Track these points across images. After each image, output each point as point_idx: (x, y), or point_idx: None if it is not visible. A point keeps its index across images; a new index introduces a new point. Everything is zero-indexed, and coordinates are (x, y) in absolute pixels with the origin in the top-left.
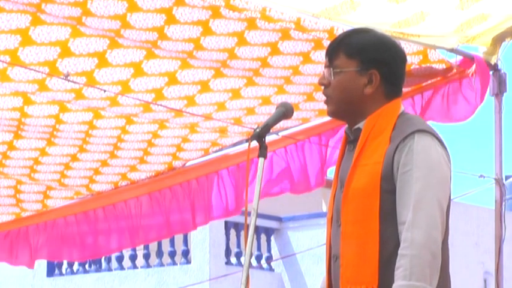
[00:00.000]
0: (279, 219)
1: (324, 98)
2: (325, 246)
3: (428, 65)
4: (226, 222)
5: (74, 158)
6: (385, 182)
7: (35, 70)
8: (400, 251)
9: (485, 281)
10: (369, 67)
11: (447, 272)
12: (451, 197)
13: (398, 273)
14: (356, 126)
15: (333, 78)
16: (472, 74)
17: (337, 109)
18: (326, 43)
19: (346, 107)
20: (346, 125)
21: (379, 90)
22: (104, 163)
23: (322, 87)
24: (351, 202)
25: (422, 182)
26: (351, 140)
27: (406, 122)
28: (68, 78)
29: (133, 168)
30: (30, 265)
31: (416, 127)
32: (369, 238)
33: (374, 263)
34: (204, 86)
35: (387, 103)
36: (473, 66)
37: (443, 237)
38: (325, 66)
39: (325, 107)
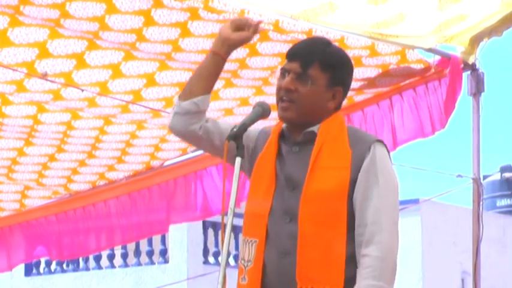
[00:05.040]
0: None
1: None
2: None
3: (406, 65)
4: (204, 222)
5: (52, 158)
6: (352, 186)
7: (12, 69)
8: (366, 252)
9: (462, 280)
10: (336, 84)
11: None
12: (429, 196)
13: (367, 272)
14: (310, 129)
15: (303, 84)
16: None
17: (297, 116)
18: None
19: (306, 116)
20: (284, 125)
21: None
22: (82, 163)
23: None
24: (314, 202)
25: (385, 188)
26: (297, 141)
27: (358, 132)
28: (46, 77)
29: (111, 168)
30: (8, 269)
31: (375, 138)
32: (336, 240)
33: (340, 264)
34: (182, 88)
35: (335, 112)
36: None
37: None
38: (293, 71)
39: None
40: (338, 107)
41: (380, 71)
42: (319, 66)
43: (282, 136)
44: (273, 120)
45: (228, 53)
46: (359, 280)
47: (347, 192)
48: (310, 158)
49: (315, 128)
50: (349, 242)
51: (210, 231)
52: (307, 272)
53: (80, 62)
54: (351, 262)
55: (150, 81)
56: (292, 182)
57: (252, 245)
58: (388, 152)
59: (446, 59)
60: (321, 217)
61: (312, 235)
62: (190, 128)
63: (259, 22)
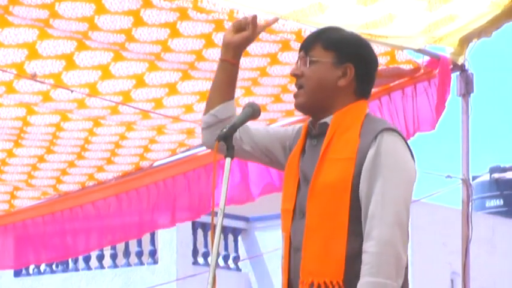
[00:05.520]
0: (246, 219)
1: (296, 90)
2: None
3: (395, 65)
4: (193, 223)
5: (41, 159)
6: (357, 178)
7: (2, 70)
8: (365, 248)
9: (452, 281)
10: (344, 61)
11: (406, 275)
12: (418, 197)
13: (365, 270)
14: (323, 121)
15: (308, 66)
16: (436, 75)
17: (307, 100)
18: (294, 45)
19: (317, 99)
20: (310, 119)
21: (350, 86)
22: (71, 164)
23: (296, 79)
24: (319, 196)
25: (390, 180)
26: (315, 134)
27: (374, 121)
28: (35, 78)
29: (100, 169)
30: None
31: (384, 126)
32: (337, 232)
33: (340, 257)
34: (172, 89)
35: (355, 101)
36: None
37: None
38: (300, 58)
39: (292, 107)
40: (360, 94)
41: None
42: (322, 46)
43: (308, 131)
44: (262, 121)
45: (236, 56)
46: (360, 278)
47: (351, 184)
48: (319, 150)
49: (328, 119)
50: (353, 235)
51: (200, 232)
52: (308, 266)
53: (70, 62)
54: (358, 257)
55: (140, 82)
56: (306, 177)
57: (283, 241)
58: (403, 140)
59: (436, 60)
60: (324, 209)
61: (316, 228)
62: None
63: (254, 17)
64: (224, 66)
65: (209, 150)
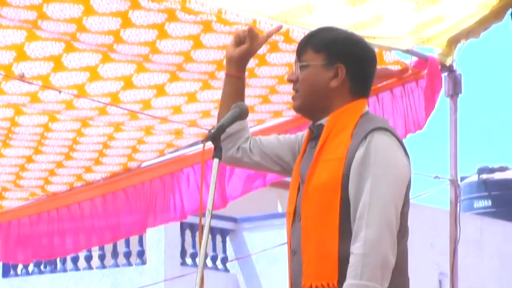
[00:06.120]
0: (234, 220)
1: (293, 94)
2: (280, 247)
3: (383, 66)
4: (181, 223)
5: (29, 159)
6: (346, 178)
7: None
8: (352, 249)
9: (440, 282)
10: (335, 61)
11: (404, 272)
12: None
13: (349, 272)
14: (318, 123)
15: (299, 72)
16: (424, 76)
17: (303, 103)
18: (282, 46)
19: (312, 101)
20: (311, 122)
21: (344, 86)
22: (59, 164)
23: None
24: (311, 197)
25: (378, 180)
26: (313, 136)
27: (368, 120)
28: (23, 79)
29: (88, 170)
30: None
31: (376, 125)
32: (329, 233)
33: (334, 258)
34: (160, 90)
35: (352, 101)
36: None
37: (403, 238)
38: (294, 63)
39: (280, 108)
40: (357, 93)
41: None
42: (312, 49)
43: (309, 134)
44: (250, 122)
45: (239, 70)
46: (346, 280)
47: (340, 185)
48: (314, 152)
49: (323, 121)
50: (345, 236)
51: (188, 233)
52: (308, 269)
53: (58, 64)
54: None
55: (128, 83)
56: (303, 179)
57: (287, 244)
58: (396, 139)
59: (424, 61)
60: (316, 211)
61: (310, 230)
62: (227, 155)
63: (250, 29)
64: (229, 81)
65: (197, 151)
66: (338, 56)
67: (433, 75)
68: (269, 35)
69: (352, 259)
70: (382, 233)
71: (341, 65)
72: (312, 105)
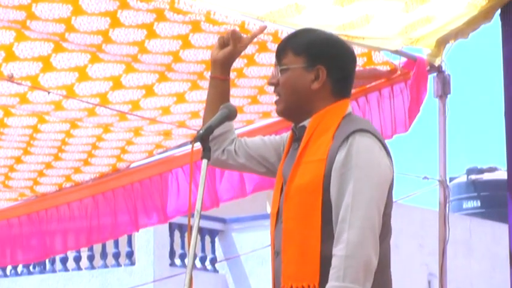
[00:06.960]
0: (223, 220)
1: (276, 98)
2: (269, 248)
3: (372, 67)
4: (170, 224)
5: (18, 160)
6: (327, 179)
7: None
8: (334, 251)
9: (429, 282)
10: (315, 63)
11: (387, 272)
12: (395, 199)
13: (332, 274)
14: (301, 124)
15: (280, 75)
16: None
17: (285, 107)
18: (270, 46)
19: (294, 105)
20: (293, 124)
21: (326, 87)
22: (48, 165)
23: (273, 87)
24: (292, 199)
25: (360, 182)
26: (296, 138)
27: (350, 122)
28: (12, 79)
29: (77, 170)
30: None
31: (357, 127)
32: (311, 235)
33: (315, 259)
34: (149, 91)
35: (334, 102)
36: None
37: (385, 238)
38: (274, 66)
39: (269, 109)
40: (338, 94)
41: None
42: (292, 52)
43: (292, 135)
44: (239, 122)
45: (224, 72)
46: (328, 282)
47: (321, 186)
48: (296, 154)
49: (306, 122)
50: (327, 237)
51: (177, 233)
52: (287, 270)
53: (46, 64)
54: (331, 259)
55: (117, 84)
56: (285, 180)
57: (271, 245)
58: (378, 140)
59: (412, 61)
60: (297, 212)
61: (291, 232)
62: (213, 157)
63: (233, 31)
64: (214, 83)
65: (186, 152)
66: (318, 58)
67: (419, 77)
68: (253, 36)
69: (334, 261)
70: (364, 235)
71: (321, 67)
72: (294, 108)
